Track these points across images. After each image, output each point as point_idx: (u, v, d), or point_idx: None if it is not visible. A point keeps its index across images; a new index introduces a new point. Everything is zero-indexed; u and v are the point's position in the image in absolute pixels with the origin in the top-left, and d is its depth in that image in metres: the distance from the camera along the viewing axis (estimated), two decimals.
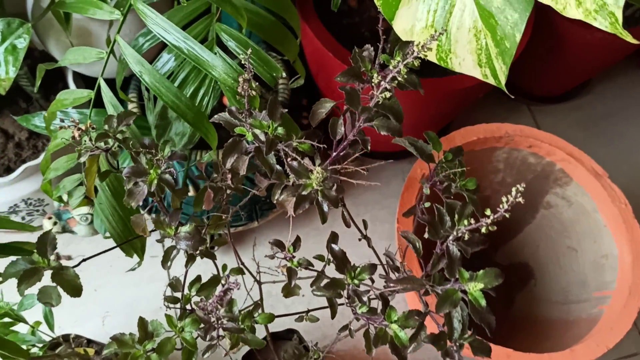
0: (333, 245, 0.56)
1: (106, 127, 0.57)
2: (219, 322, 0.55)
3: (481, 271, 0.50)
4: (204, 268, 0.85)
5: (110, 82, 0.78)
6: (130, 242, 0.73)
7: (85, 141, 0.57)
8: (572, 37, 1.21)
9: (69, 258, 1.27)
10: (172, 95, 0.65)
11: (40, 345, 0.94)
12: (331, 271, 0.65)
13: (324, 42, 1.04)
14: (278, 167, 0.59)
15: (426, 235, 0.64)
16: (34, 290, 0.86)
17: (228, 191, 0.67)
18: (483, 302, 0.48)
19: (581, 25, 1.20)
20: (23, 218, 1.16)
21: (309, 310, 0.75)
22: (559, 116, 1.49)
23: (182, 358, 0.62)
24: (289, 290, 0.63)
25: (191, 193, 1.13)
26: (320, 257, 0.74)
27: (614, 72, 1.56)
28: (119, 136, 0.57)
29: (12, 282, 0.61)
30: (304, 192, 0.51)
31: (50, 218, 1.13)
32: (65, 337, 1.03)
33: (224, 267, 0.88)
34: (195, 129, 0.67)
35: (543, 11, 1.17)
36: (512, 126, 1.05)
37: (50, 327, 0.93)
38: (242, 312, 0.61)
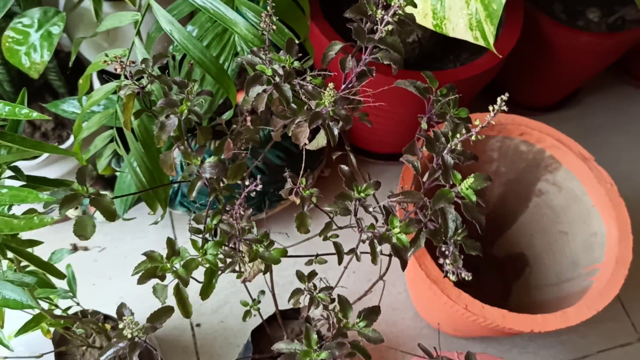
0: (342, 166, 0.63)
1: (143, 65, 0.65)
2: (241, 232, 0.62)
3: (472, 175, 0.57)
4: None
5: None
6: (155, 192, 0.80)
7: (123, 79, 0.66)
8: (559, 42, 1.31)
9: (85, 249, 1.33)
10: (199, 52, 0.74)
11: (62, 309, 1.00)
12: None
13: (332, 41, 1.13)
14: (293, 105, 0.67)
15: (425, 180, 0.71)
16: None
17: (247, 136, 0.74)
18: (474, 198, 0.55)
19: (567, 30, 1.31)
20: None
21: (317, 255, 0.81)
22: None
23: (205, 278, 0.69)
24: (302, 220, 0.70)
25: None
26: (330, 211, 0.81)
27: (601, 85, 1.65)
28: (154, 73, 0.65)
29: None
30: (317, 109, 0.59)
31: None
32: (84, 313, 1.08)
33: None
34: (218, 82, 0.75)
35: (531, 18, 1.28)
36: (505, 115, 1.14)
37: (73, 292, 0.99)
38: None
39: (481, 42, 0.76)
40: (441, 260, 0.56)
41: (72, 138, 1.17)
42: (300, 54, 0.67)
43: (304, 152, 0.67)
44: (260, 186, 0.58)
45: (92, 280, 1.29)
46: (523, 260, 1.28)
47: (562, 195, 1.16)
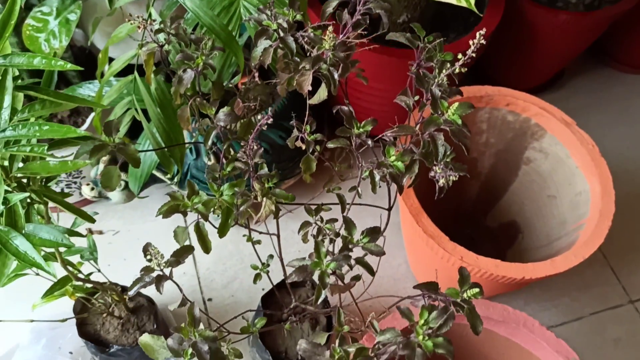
0: (342, 107, 0.71)
1: (162, 25, 0.73)
2: (254, 167, 0.70)
3: (456, 102, 0.64)
4: None
5: None
6: (171, 152, 0.88)
7: (144, 38, 0.73)
8: (539, 22, 1.40)
9: (100, 232, 1.40)
10: (209, 18, 0.82)
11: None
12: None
13: None
14: (296, 58, 0.74)
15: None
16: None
17: (256, 93, 0.82)
18: (459, 121, 0.63)
19: (546, 10, 1.40)
20: (62, 189, 1.30)
21: (323, 204, 0.88)
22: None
23: (222, 217, 0.76)
24: (308, 164, 0.77)
25: (211, 162, 1.28)
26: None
27: (584, 69, 1.75)
28: (172, 31, 0.73)
29: None
30: (318, 52, 0.67)
31: (88, 184, 1.27)
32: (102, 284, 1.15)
33: None
34: (227, 46, 0.83)
35: (513, 2, 1.37)
36: (491, 87, 1.22)
37: (94, 258, 1.06)
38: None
39: (463, 3, 0.85)
40: (432, 173, 0.64)
41: (87, 123, 1.25)
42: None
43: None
44: (271, 119, 0.65)
45: (108, 261, 1.35)
46: (515, 227, 1.35)
47: (548, 161, 1.24)
